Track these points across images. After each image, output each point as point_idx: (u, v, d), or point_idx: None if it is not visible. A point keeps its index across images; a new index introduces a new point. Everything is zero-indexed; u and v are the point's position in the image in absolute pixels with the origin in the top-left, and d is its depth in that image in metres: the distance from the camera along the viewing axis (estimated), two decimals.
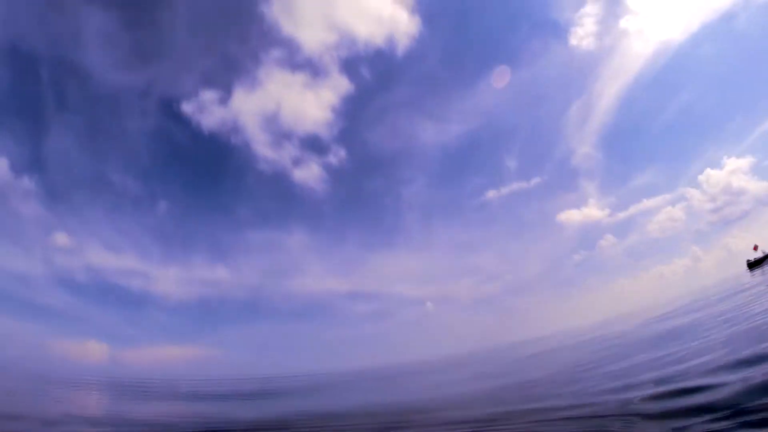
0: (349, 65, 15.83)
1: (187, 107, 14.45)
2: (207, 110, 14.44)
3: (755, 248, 27.66)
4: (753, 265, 26.60)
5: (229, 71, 14.75)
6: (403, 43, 14.85)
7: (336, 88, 15.10)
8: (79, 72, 14.21)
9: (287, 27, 13.95)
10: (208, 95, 14.14)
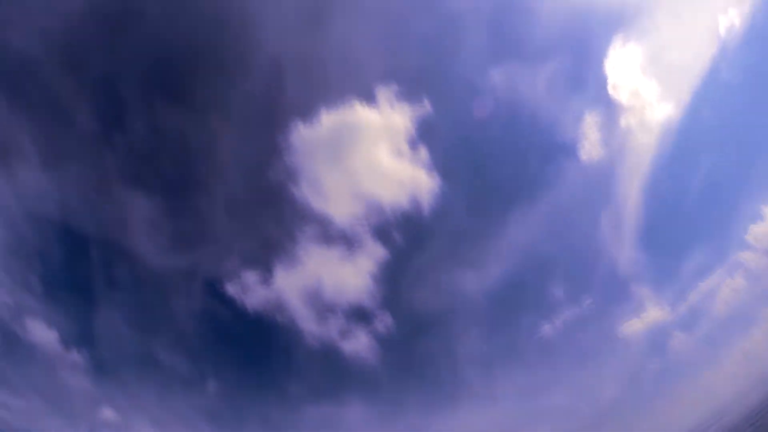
0: (381, 232, 15.58)
1: (231, 288, 14.41)
2: (250, 290, 14.35)
3: None
4: None
5: (268, 252, 14.50)
6: (427, 201, 14.79)
7: (372, 255, 14.96)
8: (127, 254, 14.03)
9: (317, 204, 13.68)
10: (251, 276, 14.01)
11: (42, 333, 17.65)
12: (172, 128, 15.35)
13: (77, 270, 18.33)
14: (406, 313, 21.02)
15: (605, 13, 18.73)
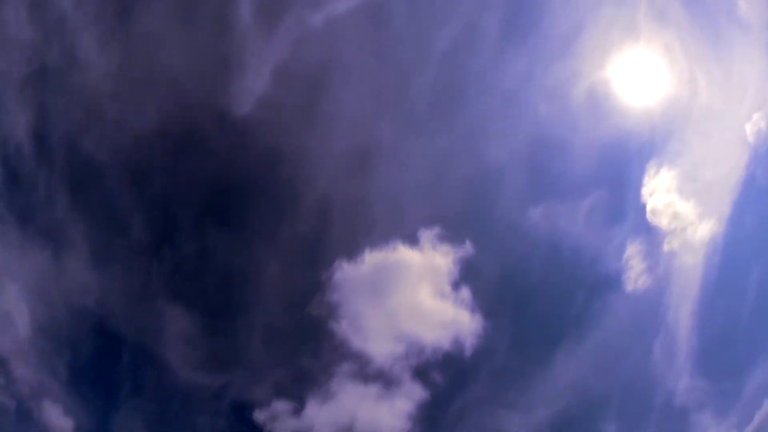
0: (420, 372, 17.12)
1: (259, 414, 15.92)
2: (280, 419, 15.75)
3: None
4: None
5: (301, 383, 16.23)
6: (469, 342, 16.37)
7: (410, 395, 16.22)
8: (158, 362, 16.08)
9: (357, 342, 15.65)
10: (281, 405, 15.49)
11: (58, 419, 16.94)
12: (219, 251, 16.13)
13: (105, 367, 18.14)
14: None
15: (637, 142, 19.45)
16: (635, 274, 30.22)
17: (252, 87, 14.90)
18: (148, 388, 17.56)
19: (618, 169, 20.05)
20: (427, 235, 15.02)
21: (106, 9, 14.88)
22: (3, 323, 15.72)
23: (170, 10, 15.27)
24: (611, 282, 23.90)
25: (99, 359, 17.52)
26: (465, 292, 15.79)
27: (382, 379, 17.32)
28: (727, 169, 28.22)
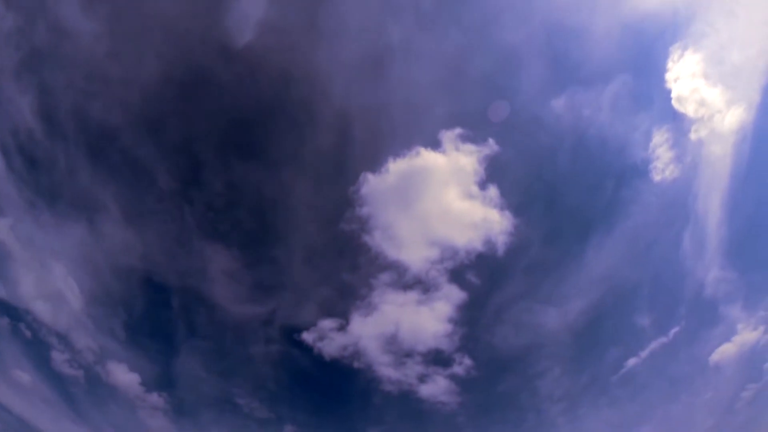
0: (456, 275, 16.39)
1: (308, 336, 15.65)
2: (327, 337, 15.48)
3: None
4: None
5: (344, 300, 15.83)
6: (501, 240, 15.38)
7: (448, 298, 15.71)
8: (206, 302, 15.92)
9: (391, 251, 14.90)
10: (327, 323, 15.22)
11: (124, 376, 18.48)
12: (246, 183, 16.22)
13: (158, 318, 19.25)
14: (486, 354, 20.27)
15: (658, 24, 18.10)
16: (663, 163, 29.44)
17: (249, 12, 14.10)
18: (201, 328, 18.70)
19: (640, 54, 18.88)
20: (448, 136, 14.70)
21: None
22: (56, 301, 16.51)
23: None
24: (639, 172, 23.43)
25: (151, 312, 18.53)
26: (492, 191, 15.67)
27: (420, 286, 17.98)
28: (755, 51, 26.26)
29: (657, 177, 26.90)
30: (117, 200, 16.08)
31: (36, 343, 16.38)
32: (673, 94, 21.78)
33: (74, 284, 16.55)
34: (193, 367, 19.06)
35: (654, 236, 25.50)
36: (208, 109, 15.49)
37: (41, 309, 16.34)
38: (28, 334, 16.28)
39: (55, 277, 16.42)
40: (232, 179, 16.14)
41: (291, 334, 18.05)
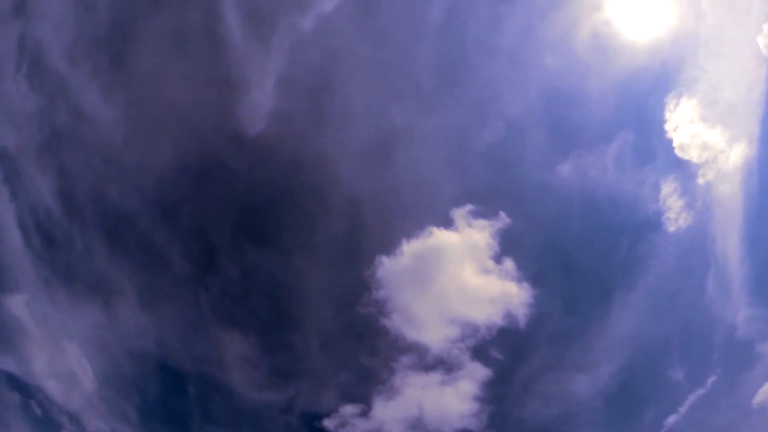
0: (479, 351, 16.83)
1: (329, 423, 15.99)
2: (350, 423, 15.78)
3: None
4: None
5: (365, 384, 16.24)
6: (521, 312, 15.95)
7: (472, 376, 16.08)
8: (222, 389, 16.44)
9: (411, 333, 15.52)
10: (349, 409, 15.55)
11: None
12: (261, 269, 16.28)
13: (173, 403, 18.67)
14: (517, 430, 19.18)
15: (650, 77, 18.72)
16: (675, 213, 29.22)
17: (259, 103, 14.86)
18: (218, 415, 17.99)
19: (638, 109, 19.34)
20: (459, 213, 14.75)
21: (100, 61, 15.01)
22: (69, 382, 16.25)
23: (163, 47, 15.25)
24: (652, 225, 23.17)
25: (165, 397, 18.01)
26: (508, 264, 15.49)
27: (443, 366, 17.30)
28: (746, 86, 26.88)
29: (671, 227, 26.57)
30: (132, 283, 16.22)
31: (46, 421, 15.93)
32: (675, 143, 21.99)
33: (87, 365, 16.34)
34: None
35: (677, 286, 24.77)
36: (221, 195, 15.88)
37: (53, 388, 16.04)
38: (38, 411, 15.90)
39: (68, 356, 16.24)
40: (247, 265, 16.19)
41: (312, 422, 17.29)
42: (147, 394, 17.18)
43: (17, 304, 15.63)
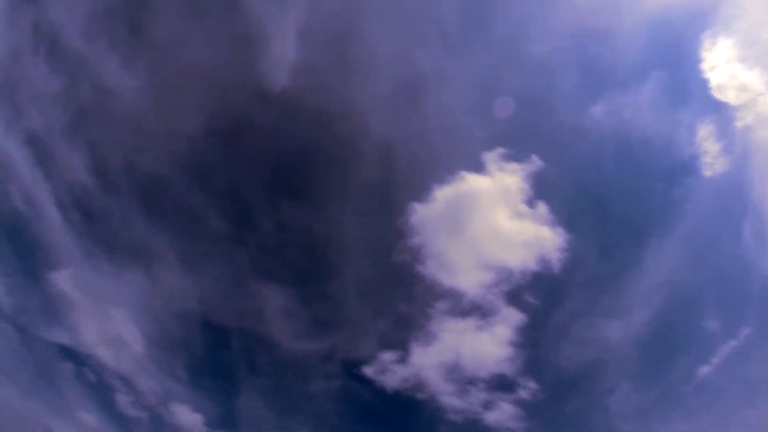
0: (514, 296, 16.52)
1: (368, 370, 16.11)
2: (388, 370, 15.87)
3: None
4: None
5: (402, 331, 16.28)
6: (555, 257, 15.47)
7: (508, 321, 15.84)
8: (264, 341, 16.77)
9: (446, 278, 15.29)
10: (387, 356, 15.63)
11: (187, 416, 18.58)
12: (296, 222, 16.54)
13: (219, 358, 19.44)
14: (551, 375, 19.35)
15: (685, 15, 17.64)
16: (711, 156, 28.07)
17: (282, 58, 14.61)
18: (261, 367, 18.78)
19: (672, 47, 18.34)
20: (491, 157, 14.51)
21: (117, 33, 14.99)
22: (118, 346, 17.07)
23: (178, 10, 15.10)
24: (688, 169, 22.31)
25: (211, 353, 18.83)
26: (541, 208, 15.27)
27: (478, 311, 17.46)
28: None
29: (708, 172, 25.46)
30: (172, 247, 16.58)
31: (100, 386, 16.79)
32: (712, 84, 20.87)
33: (135, 329, 17.05)
34: (254, 406, 19.05)
35: (713, 233, 23.99)
36: (251, 153, 15.99)
37: (104, 354, 16.81)
38: (92, 377, 16.74)
39: (116, 323, 16.95)
40: (281, 219, 16.44)
41: (351, 369, 17.83)
42: (193, 352, 17.97)
43: (63, 279, 16.26)
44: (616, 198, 17.74)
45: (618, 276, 19.54)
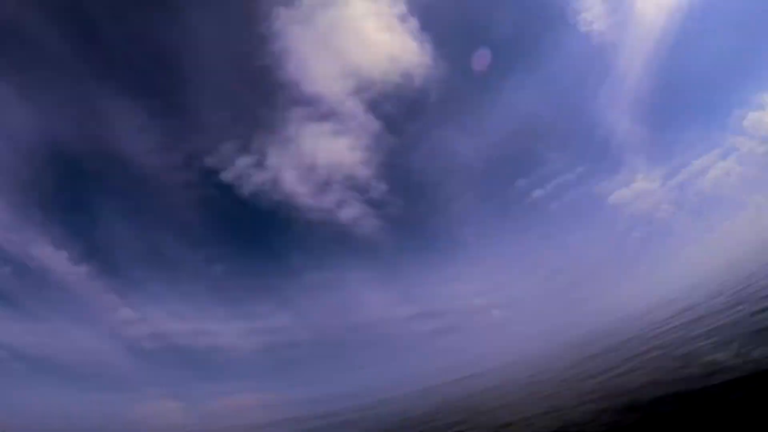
0: (373, 105, 11.28)
1: (227, 175, 10.51)
2: (246, 174, 10.60)
3: None
4: None
5: (261, 136, 10.29)
6: (419, 72, 10.34)
7: (365, 128, 11.08)
8: (119, 160, 9.76)
9: (308, 85, 9.13)
10: (245, 160, 10.18)
11: (51, 256, 18.46)
12: (147, 33, 13.47)
13: (74, 190, 18.11)
14: (403, 180, 22.03)
15: None
16: (592, 15, 28.81)
17: None
18: (120, 189, 17.35)
19: None
20: None
21: None
22: None
23: None
24: (567, 18, 22.87)
25: (65, 185, 16.31)
26: (413, 23, 14.39)
27: (337, 117, 17.74)
28: None
29: (584, 28, 26.46)
30: (5, 80, 12.90)
31: None
32: None
33: None
34: (117, 229, 18.56)
35: (573, 83, 26.82)
36: None
37: None
38: None
39: None
40: (131, 31, 12.89)
41: (209, 177, 17.63)
42: (45, 190, 15.60)
43: None
44: (490, 26, 17.53)
45: (479, 98, 21.16)
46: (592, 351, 13.41)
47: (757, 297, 9.03)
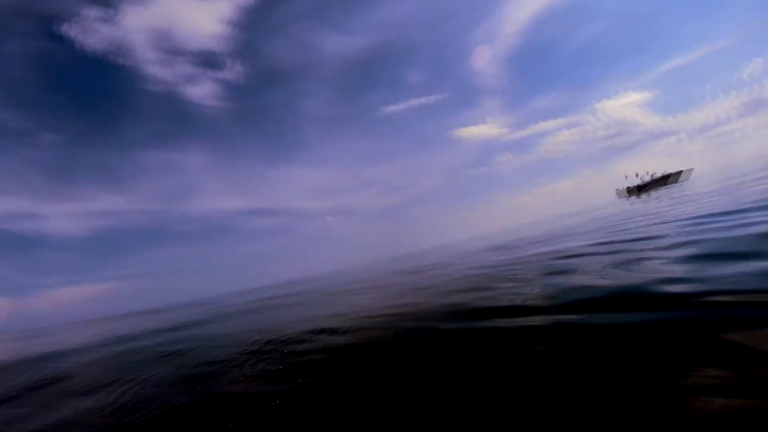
0: None
1: (69, 28, 6.81)
2: (92, 29, 7.24)
3: (636, 176, 30.81)
4: (631, 191, 29.59)
5: None
6: None
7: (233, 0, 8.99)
8: None
9: None
10: (93, 13, 6.96)
11: None
12: None
13: None
14: (259, 64, 19.16)
15: None
16: None
17: None
18: None
19: None
20: None
21: None
22: None
23: None
24: None
25: None
26: None
27: None
28: None
29: None
30: None
31: None
32: None
33: None
34: None
35: (455, 10, 25.80)
36: None
37: None
38: None
39: None
40: None
41: (49, 26, 13.10)
42: None
43: None
44: None
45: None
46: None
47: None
